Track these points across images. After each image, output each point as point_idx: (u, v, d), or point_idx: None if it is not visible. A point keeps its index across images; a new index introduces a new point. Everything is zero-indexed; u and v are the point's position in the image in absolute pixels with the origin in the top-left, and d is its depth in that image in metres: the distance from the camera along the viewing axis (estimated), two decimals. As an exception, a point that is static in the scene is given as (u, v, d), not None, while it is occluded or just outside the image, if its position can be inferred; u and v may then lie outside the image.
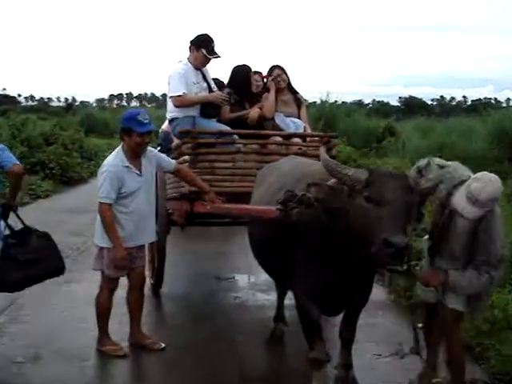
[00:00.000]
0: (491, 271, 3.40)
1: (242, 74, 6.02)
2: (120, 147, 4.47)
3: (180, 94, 5.53)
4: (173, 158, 5.66)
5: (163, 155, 4.88)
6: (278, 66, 6.15)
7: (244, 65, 6.16)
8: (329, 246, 3.34)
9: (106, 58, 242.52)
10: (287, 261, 3.64)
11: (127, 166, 4.39)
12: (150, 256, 6.26)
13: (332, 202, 3.24)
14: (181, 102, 5.57)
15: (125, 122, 4.39)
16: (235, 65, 6.13)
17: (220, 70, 6.73)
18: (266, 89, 6.11)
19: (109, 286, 4.56)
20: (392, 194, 3.04)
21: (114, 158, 4.43)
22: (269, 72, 6.13)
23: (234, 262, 7.49)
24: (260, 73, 6.42)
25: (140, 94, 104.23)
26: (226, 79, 6.20)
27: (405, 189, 3.10)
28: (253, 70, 6.19)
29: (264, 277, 6.40)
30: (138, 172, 4.43)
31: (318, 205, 3.29)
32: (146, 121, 4.37)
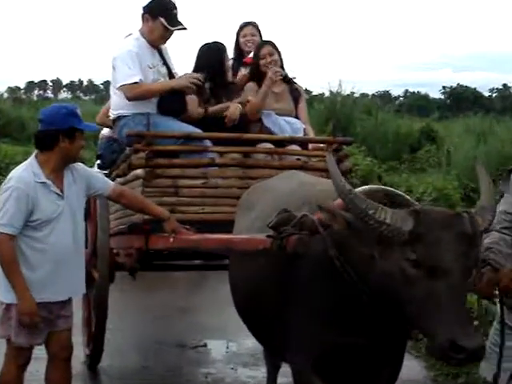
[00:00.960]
0: None
1: (214, 54, 6.22)
2: (33, 157, 4.50)
3: (135, 80, 5.65)
4: (118, 176, 5.75)
5: (95, 172, 4.94)
6: (268, 43, 6.33)
7: (217, 42, 6.37)
8: (344, 296, 3.41)
9: (23, 33, 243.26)
10: (286, 318, 3.70)
11: (43, 183, 4.42)
12: (84, 315, 6.31)
13: (350, 241, 3.29)
14: (136, 93, 5.68)
15: (62, 121, 4.45)
16: (204, 43, 6.33)
17: (186, 51, 6.89)
18: (252, 73, 6.28)
19: (17, 359, 4.49)
20: (454, 259, 3.05)
21: (24, 171, 4.45)
22: (256, 51, 6.31)
23: (206, 323, 7.53)
24: (254, 24, 6.78)
25: (72, 82, 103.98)
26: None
27: (469, 244, 3.12)
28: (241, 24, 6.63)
29: (248, 343, 6.53)
30: (58, 192, 4.45)
31: (326, 233, 3.36)
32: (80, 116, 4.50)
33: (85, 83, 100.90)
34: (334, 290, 3.42)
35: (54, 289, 4.44)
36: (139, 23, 5.90)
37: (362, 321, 3.41)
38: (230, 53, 6.66)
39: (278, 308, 3.73)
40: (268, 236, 3.60)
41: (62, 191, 4.46)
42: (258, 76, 6.18)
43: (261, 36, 6.80)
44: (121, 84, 5.67)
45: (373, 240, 3.18)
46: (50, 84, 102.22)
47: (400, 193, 3.60)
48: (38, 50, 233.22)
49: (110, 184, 4.86)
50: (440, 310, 2.99)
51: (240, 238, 4.15)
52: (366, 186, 3.53)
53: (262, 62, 6.15)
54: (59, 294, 4.50)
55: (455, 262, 3.05)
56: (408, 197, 3.62)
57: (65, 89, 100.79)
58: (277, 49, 6.24)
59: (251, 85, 6.19)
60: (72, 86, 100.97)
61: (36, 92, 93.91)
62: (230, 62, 6.56)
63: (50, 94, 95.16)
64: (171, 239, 4.86)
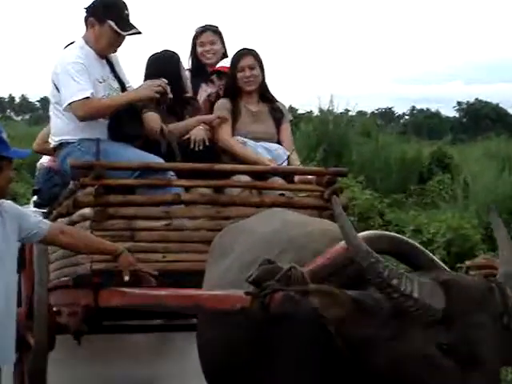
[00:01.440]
0: None
1: (167, 63, 6.33)
2: None
3: (86, 95, 5.66)
4: (60, 216, 5.79)
5: (29, 211, 4.91)
6: (250, 52, 6.38)
7: (168, 50, 6.49)
8: (336, 367, 3.39)
9: None
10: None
11: None
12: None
13: (355, 322, 3.24)
14: (89, 110, 5.70)
15: None
16: (153, 52, 6.46)
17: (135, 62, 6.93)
18: (226, 87, 6.36)
19: None
20: (491, 348, 3.08)
21: None
22: (235, 61, 6.35)
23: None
24: (214, 29, 6.86)
25: (1, 99, 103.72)
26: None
27: (506, 325, 3.17)
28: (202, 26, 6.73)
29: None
30: None
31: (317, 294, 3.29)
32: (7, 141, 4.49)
33: (17, 100, 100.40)
34: (323, 359, 3.41)
35: None
36: (82, 29, 5.94)
37: None
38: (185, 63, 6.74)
39: (255, 376, 3.74)
40: (247, 293, 3.53)
41: None
42: (233, 91, 6.27)
43: (223, 43, 6.89)
44: (68, 102, 5.68)
45: (387, 317, 3.18)
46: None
47: (409, 240, 3.62)
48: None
49: (47, 224, 4.85)
50: None
51: (212, 294, 4.10)
52: (365, 233, 3.51)
53: (239, 74, 6.22)
54: None
55: (494, 350, 3.07)
56: (418, 245, 3.64)
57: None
58: (259, 60, 6.31)
59: (224, 102, 6.26)
60: (1, 104, 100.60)
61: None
62: (187, 73, 6.63)
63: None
64: (126, 295, 4.87)
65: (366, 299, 3.20)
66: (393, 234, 3.68)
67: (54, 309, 5.83)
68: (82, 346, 5.98)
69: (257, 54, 6.34)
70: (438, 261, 3.67)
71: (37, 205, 7.30)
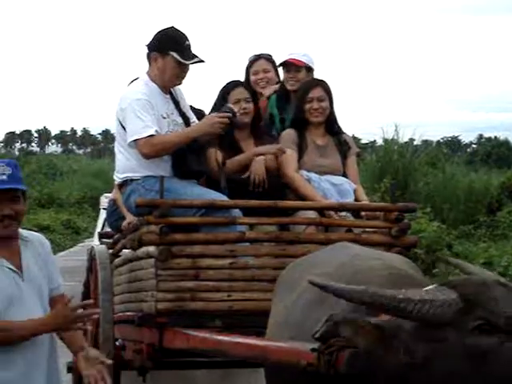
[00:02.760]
0: None
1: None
2: None
3: (151, 133, 5.74)
4: (124, 247, 5.89)
5: (55, 261, 4.79)
6: (320, 83, 6.37)
7: (239, 81, 6.56)
8: None
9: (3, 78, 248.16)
10: None
11: None
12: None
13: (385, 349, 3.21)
14: (153, 148, 5.77)
15: None
16: (228, 81, 6.48)
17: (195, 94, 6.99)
18: (294, 118, 6.34)
19: None
20: None
21: None
22: (302, 92, 6.34)
23: None
24: (268, 57, 6.88)
25: (63, 132, 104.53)
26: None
27: None
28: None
29: None
30: (13, 268, 4.28)
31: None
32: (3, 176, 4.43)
33: (79, 133, 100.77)
34: None
35: None
36: (144, 66, 6.02)
37: None
38: None
39: None
40: (313, 350, 3.49)
41: (19, 269, 4.28)
42: (300, 123, 6.28)
43: (276, 71, 6.91)
44: (133, 139, 5.77)
45: (414, 336, 3.16)
46: (36, 135, 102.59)
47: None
48: (21, 96, 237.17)
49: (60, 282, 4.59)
50: None
51: (278, 346, 4.04)
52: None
53: (307, 106, 6.21)
54: None
55: None
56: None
57: (53, 140, 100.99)
58: (329, 92, 6.30)
59: (291, 133, 6.26)
60: (62, 137, 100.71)
61: (18, 145, 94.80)
62: None
63: (35, 146, 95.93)
64: (190, 339, 4.92)
65: (386, 324, 3.20)
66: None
67: (118, 343, 5.88)
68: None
69: (327, 85, 6.35)
70: None
71: (101, 236, 7.43)
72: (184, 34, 6.02)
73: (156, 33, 6.01)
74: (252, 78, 6.84)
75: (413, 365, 3.18)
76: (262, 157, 6.11)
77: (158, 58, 5.93)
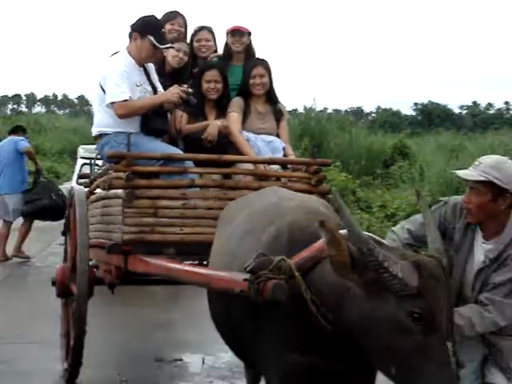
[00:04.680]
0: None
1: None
2: None
3: (125, 98, 5.72)
4: (95, 188, 6.01)
5: None
6: (261, 63, 6.34)
7: (214, 64, 6.49)
8: (311, 328, 3.40)
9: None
10: (261, 338, 3.71)
11: None
12: (63, 329, 6.34)
13: (339, 286, 3.25)
14: (126, 110, 5.74)
15: None
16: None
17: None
18: (240, 89, 6.30)
19: None
20: (444, 314, 3.12)
21: None
22: (247, 70, 6.32)
23: (183, 337, 7.59)
24: (209, 29, 6.80)
25: (46, 96, 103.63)
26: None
27: (449, 293, 3.23)
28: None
29: (225, 357, 6.56)
30: None
31: (303, 280, 3.33)
32: None
33: (59, 97, 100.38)
34: (301, 324, 3.42)
35: None
36: (120, 41, 5.99)
37: (325, 347, 3.42)
38: None
39: (254, 329, 3.73)
40: (245, 279, 3.52)
41: None
42: (245, 93, 6.27)
43: (215, 41, 6.86)
44: (111, 101, 5.74)
45: (368, 285, 3.16)
46: (24, 98, 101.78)
47: (383, 241, 3.58)
48: (11, 64, 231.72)
49: None
50: (430, 365, 3.02)
51: (219, 276, 4.01)
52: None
53: (251, 81, 6.21)
54: None
55: (445, 316, 3.11)
56: (388, 244, 3.63)
57: (39, 103, 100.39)
58: (269, 70, 6.28)
59: (238, 100, 6.24)
60: (46, 101, 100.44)
61: (10, 106, 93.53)
62: None
63: (24, 108, 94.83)
64: (149, 265, 4.89)
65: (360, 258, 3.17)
66: (373, 235, 3.54)
67: (91, 263, 5.85)
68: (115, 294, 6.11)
69: (267, 64, 6.33)
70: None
71: (80, 177, 7.41)
72: (161, 23, 6.04)
73: (140, 17, 5.95)
74: (195, 44, 6.75)
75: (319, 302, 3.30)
76: (216, 121, 6.12)
77: (137, 38, 5.88)
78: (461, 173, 3.92)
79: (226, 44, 6.70)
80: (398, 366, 3.14)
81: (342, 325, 3.28)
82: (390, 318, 3.10)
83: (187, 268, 4.67)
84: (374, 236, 3.49)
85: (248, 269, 3.48)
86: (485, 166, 3.81)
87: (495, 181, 3.76)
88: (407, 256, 3.23)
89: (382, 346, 3.16)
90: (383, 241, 3.58)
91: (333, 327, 3.31)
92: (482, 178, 3.78)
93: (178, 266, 4.79)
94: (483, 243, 3.91)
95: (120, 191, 5.41)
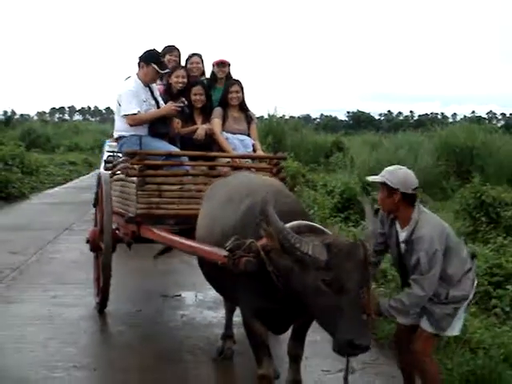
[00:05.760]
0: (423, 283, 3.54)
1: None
2: None
3: (135, 112, 5.68)
4: (116, 172, 5.88)
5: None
6: (237, 82, 6.26)
7: (199, 81, 6.40)
8: (270, 287, 3.42)
9: (47, 70, 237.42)
10: (235, 283, 3.74)
11: None
12: (95, 274, 6.31)
13: (282, 261, 3.26)
14: (135, 121, 5.71)
15: None
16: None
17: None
18: (220, 101, 6.19)
19: None
20: (354, 282, 3.06)
21: None
22: (226, 86, 6.24)
23: (182, 279, 7.56)
24: (199, 55, 6.73)
25: (83, 108, 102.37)
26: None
27: (364, 267, 3.13)
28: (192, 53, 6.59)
29: (211, 294, 6.52)
30: None
31: (266, 257, 3.32)
32: None
33: (92, 108, 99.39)
34: (265, 284, 3.43)
35: None
36: (131, 67, 6.00)
37: (276, 297, 3.46)
38: None
39: (231, 278, 3.72)
40: (225, 256, 3.53)
41: None
42: (224, 103, 6.16)
43: (203, 64, 6.77)
44: (125, 113, 5.72)
45: (297, 262, 3.19)
46: (67, 109, 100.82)
47: (318, 226, 3.56)
48: (58, 82, 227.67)
49: None
50: (342, 317, 3.02)
51: (206, 249, 3.99)
52: (295, 222, 3.44)
53: (229, 95, 6.10)
54: None
55: (355, 283, 3.09)
56: (322, 227, 3.58)
57: (78, 113, 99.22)
58: (242, 87, 6.19)
59: (219, 109, 6.14)
60: (83, 111, 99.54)
61: (57, 115, 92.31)
62: None
63: (66, 116, 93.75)
64: (154, 234, 4.91)
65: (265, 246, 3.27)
66: (311, 223, 3.55)
67: (114, 226, 5.82)
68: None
69: (241, 83, 6.22)
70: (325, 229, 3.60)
71: (105, 162, 7.24)
72: (161, 54, 6.01)
73: (145, 50, 5.88)
74: (188, 66, 6.65)
75: (276, 272, 3.32)
76: (203, 125, 6.05)
77: (144, 66, 5.83)
78: (370, 178, 3.83)
79: (213, 72, 6.61)
80: (320, 316, 3.20)
81: (289, 287, 3.32)
82: (310, 284, 3.14)
83: (182, 240, 4.63)
84: (315, 225, 3.48)
85: (227, 248, 3.49)
86: (384, 172, 3.73)
87: (387, 182, 3.67)
88: (325, 239, 3.23)
89: (310, 303, 3.20)
90: (326, 230, 3.53)
91: (283, 287, 3.36)
92: (379, 179, 3.70)
93: (176, 238, 4.76)
94: (402, 232, 3.76)
95: (134, 178, 5.38)
